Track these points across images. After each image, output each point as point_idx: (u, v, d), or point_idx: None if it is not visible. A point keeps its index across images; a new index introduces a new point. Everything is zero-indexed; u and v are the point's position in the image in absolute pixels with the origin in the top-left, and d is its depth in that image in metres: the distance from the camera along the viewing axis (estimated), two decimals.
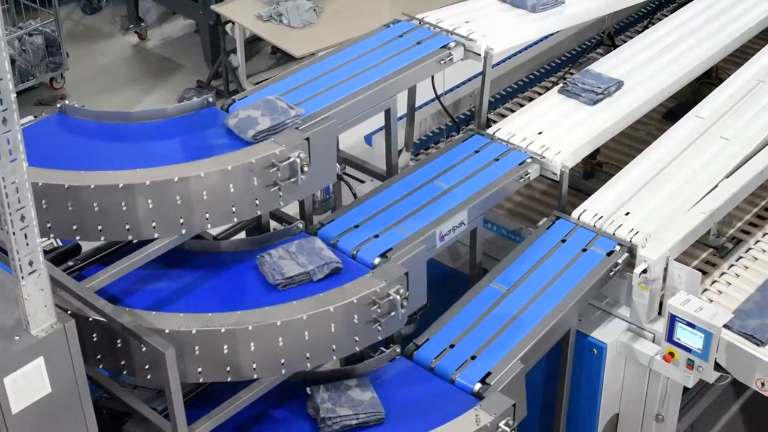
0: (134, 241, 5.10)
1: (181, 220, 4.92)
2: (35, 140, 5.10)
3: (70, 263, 5.28)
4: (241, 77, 11.45)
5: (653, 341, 6.05)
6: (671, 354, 5.80)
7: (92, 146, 5.30)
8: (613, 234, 6.11)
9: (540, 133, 6.58)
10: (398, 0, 10.09)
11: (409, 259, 5.29)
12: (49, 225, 4.86)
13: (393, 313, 5.04)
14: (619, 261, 5.98)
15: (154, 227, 4.90)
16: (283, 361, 4.86)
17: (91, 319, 4.71)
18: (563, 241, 6.13)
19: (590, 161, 7.24)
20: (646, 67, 7.26)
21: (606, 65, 7.28)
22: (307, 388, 5.20)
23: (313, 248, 5.23)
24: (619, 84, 6.96)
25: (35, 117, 5.60)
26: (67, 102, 5.59)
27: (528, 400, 5.53)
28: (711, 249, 6.60)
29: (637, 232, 6.08)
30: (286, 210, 5.76)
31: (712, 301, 6.08)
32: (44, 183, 4.79)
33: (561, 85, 7.03)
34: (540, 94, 7.58)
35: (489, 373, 5.27)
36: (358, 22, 9.42)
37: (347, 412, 5.07)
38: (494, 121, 6.93)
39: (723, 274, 6.41)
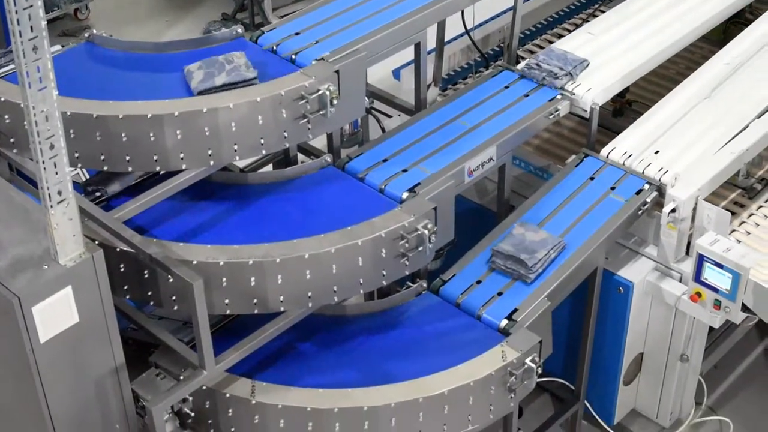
0: (161, 173, 5.09)
1: (210, 152, 4.90)
2: (63, 70, 5.06)
3: (98, 194, 5.27)
4: (266, 10, 11.36)
5: (680, 281, 6.04)
6: (698, 294, 5.79)
7: (120, 76, 5.28)
8: (642, 172, 6.08)
9: None
10: None
11: (437, 194, 5.27)
12: (77, 155, 4.85)
13: (420, 248, 5.03)
14: (648, 200, 5.96)
15: (182, 158, 4.89)
16: (310, 294, 4.85)
17: (118, 249, 4.71)
18: (592, 178, 6.10)
19: (619, 99, 7.19)
20: (676, 6, 7.18)
21: (638, 3, 7.22)
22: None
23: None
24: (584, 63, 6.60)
25: (63, 47, 5.57)
26: (94, 32, 5.56)
27: (553, 337, 5.52)
28: (740, 190, 6.56)
29: (667, 171, 6.04)
30: (314, 143, 5.73)
31: (740, 241, 6.05)
32: (72, 112, 4.77)
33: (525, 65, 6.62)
34: (569, 31, 7.51)
35: (516, 310, 5.27)
36: None
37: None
38: (523, 58, 6.87)
39: (751, 215, 6.39)
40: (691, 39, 7.12)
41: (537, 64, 6.39)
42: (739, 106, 6.53)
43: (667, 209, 5.87)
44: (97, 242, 4.56)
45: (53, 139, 4.10)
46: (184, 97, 4.99)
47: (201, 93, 5.03)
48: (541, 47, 7.33)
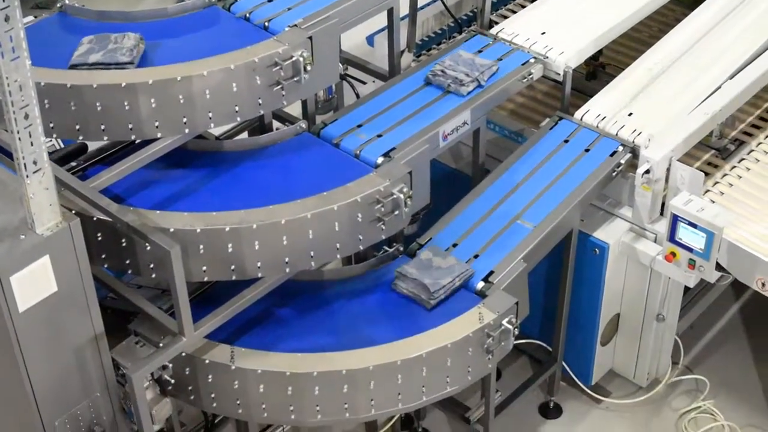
0: (137, 142, 5.10)
1: (184, 120, 4.90)
2: (36, 40, 5.07)
3: (73, 164, 5.28)
4: None
5: (655, 241, 6.08)
6: (673, 254, 5.83)
7: None
8: (616, 134, 6.11)
9: (543, 33, 6.55)
10: None
11: (412, 159, 5.28)
12: (51, 125, 4.85)
13: (396, 212, 5.05)
14: (622, 161, 6.00)
15: (157, 127, 4.89)
16: (287, 259, 4.88)
17: (95, 218, 4.72)
18: (566, 141, 6.13)
19: (593, 62, 7.20)
20: None
21: None
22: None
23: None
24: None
25: (35, 17, 5.57)
26: (67, 1, 5.55)
27: (530, 300, 5.57)
28: (713, 150, 6.59)
29: (640, 132, 6.08)
30: (288, 110, 5.74)
31: (714, 201, 6.09)
32: (47, 83, 4.77)
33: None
34: None
35: (492, 272, 5.30)
36: None
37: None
38: (496, 22, 6.88)
39: (725, 175, 6.42)
40: (664, 1, 7.13)
41: (442, 71, 6.07)
42: (712, 68, 6.56)
43: (641, 170, 5.91)
44: (73, 211, 4.58)
45: (27, 109, 4.11)
46: (156, 65, 4.99)
47: (72, 67, 5.00)
48: (514, 11, 7.31)
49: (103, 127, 4.86)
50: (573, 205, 5.73)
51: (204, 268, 4.79)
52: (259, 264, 4.84)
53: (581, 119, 6.25)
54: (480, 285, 5.24)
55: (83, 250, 4.46)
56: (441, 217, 5.67)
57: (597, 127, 6.18)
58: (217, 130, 5.55)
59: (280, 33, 5.27)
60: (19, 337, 4.39)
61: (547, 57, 6.37)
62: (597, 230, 6.13)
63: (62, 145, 5.61)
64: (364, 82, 6.86)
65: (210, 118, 4.95)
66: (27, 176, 4.20)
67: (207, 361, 4.90)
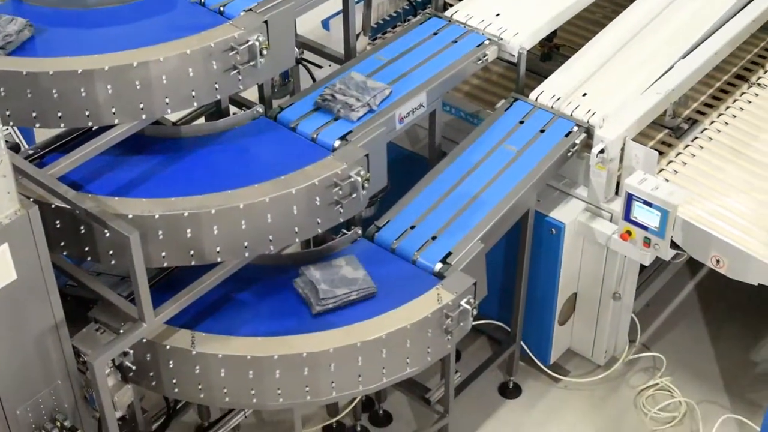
0: (94, 128, 5.09)
1: (141, 105, 4.89)
2: None
3: (31, 151, 5.26)
4: None
5: (611, 221, 6.14)
6: (628, 232, 5.89)
7: (49, 32, 5.24)
8: (571, 115, 6.16)
9: (497, 15, 6.58)
10: None
11: (369, 141, 5.31)
12: (8, 113, 4.83)
13: (354, 195, 5.08)
14: (577, 141, 6.04)
15: (113, 113, 4.87)
16: (246, 244, 4.89)
17: (53, 206, 4.71)
18: (521, 122, 6.17)
19: (547, 43, 7.24)
20: None
21: None
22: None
23: None
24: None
25: None
26: None
27: (488, 280, 5.61)
28: (667, 130, 6.66)
29: (595, 112, 6.13)
30: (245, 95, 5.74)
31: (668, 180, 6.15)
32: (2, 70, 4.75)
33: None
34: None
35: (450, 253, 5.34)
36: None
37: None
38: (451, 4, 6.91)
39: (679, 154, 6.48)
40: None
41: (332, 95, 5.71)
42: (665, 47, 6.62)
43: (595, 150, 5.96)
44: (32, 199, 4.58)
45: None
46: (114, 51, 4.97)
47: None
48: None
49: (59, 114, 4.84)
50: (529, 186, 5.77)
51: (163, 253, 4.79)
52: (218, 249, 4.85)
53: (536, 100, 6.30)
54: (438, 266, 5.27)
55: (42, 238, 4.46)
56: (399, 200, 5.69)
57: (552, 107, 6.23)
58: (174, 116, 5.54)
59: (236, 17, 5.26)
60: None
61: (502, 39, 6.40)
62: (553, 210, 6.17)
63: (19, 134, 5.59)
64: (320, 66, 6.87)
65: (167, 104, 4.94)
66: None
67: (168, 347, 4.91)
